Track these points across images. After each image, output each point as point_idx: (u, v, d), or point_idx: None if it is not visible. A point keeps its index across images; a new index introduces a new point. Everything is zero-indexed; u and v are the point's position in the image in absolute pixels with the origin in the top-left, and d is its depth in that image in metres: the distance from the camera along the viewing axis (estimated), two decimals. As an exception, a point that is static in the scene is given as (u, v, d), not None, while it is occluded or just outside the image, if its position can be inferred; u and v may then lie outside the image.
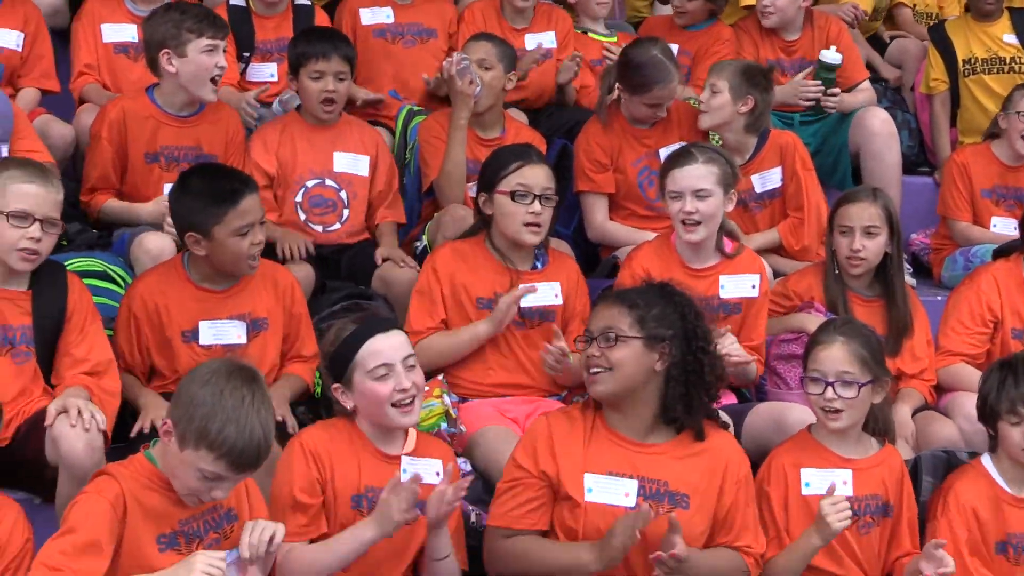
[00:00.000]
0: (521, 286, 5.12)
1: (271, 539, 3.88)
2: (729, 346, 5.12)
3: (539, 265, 5.38)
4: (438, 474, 4.44)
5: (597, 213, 6.30)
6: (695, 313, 4.42)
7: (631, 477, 4.34)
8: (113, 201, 5.79)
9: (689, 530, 4.28)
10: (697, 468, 4.39)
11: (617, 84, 6.29)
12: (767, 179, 6.28)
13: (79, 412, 4.43)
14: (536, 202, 5.23)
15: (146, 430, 4.73)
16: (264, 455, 3.90)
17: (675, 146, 6.17)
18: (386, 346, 4.36)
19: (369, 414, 4.38)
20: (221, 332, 5.07)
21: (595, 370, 4.33)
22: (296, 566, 4.18)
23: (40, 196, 4.69)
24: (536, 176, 5.28)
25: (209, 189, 4.99)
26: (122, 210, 5.77)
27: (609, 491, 4.35)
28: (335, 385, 4.41)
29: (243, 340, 5.09)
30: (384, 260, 5.85)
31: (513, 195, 5.23)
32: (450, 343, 5.25)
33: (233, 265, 5.03)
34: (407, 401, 4.33)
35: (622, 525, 4.17)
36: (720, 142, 6.24)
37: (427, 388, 5.01)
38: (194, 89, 5.74)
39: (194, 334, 5.02)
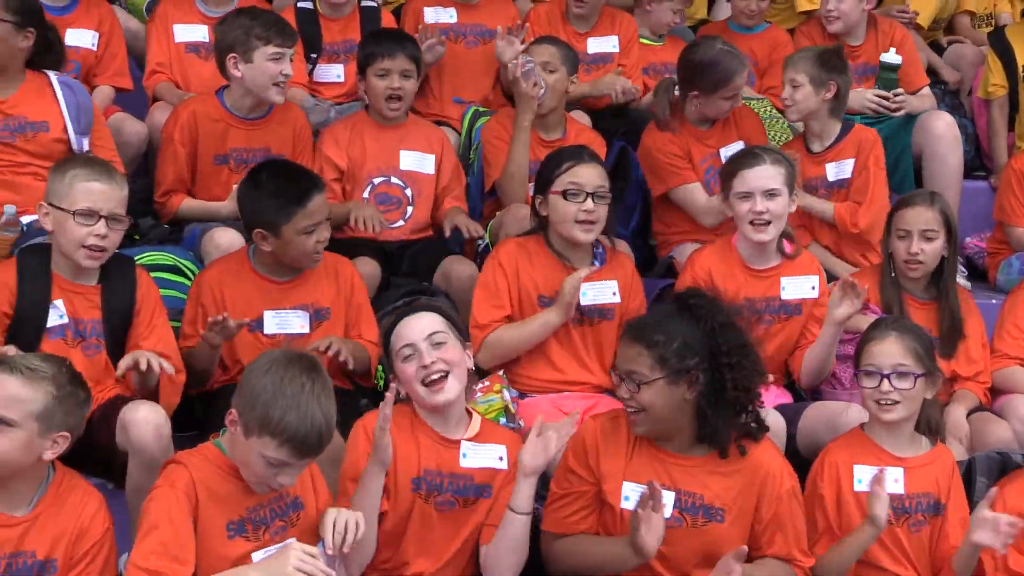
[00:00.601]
0: (582, 270, 5.11)
1: (356, 529, 3.95)
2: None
3: (597, 264, 5.38)
4: (501, 459, 4.48)
5: (699, 198, 6.23)
6: (721, 325, 4.34)
7: (669, 489, 4.34)
8: (190, 201, 5.86)
9: (727, 544, 4.30)
10: (734, 483, 4.38)
11: (690, 90, 6.24)
12: (841, 169, 6.30)
13: (148, 361, 4.56)
14: (588, 200, 5.24)
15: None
16: (326, 440, 3.95)
17: (735, 145, 6.23)
18: (410, 328, 4.44)
19: (414, 398, 4.44)
20: (285, 322, 5.14)
21: (630, 411, 4.33)
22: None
23: (105, 193, 4.73)
24: (588, 175, 5.29)
25: (279, 189, 5.06)
26: (201, 210, 5.84)
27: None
28: (392, 375, 4.49)
29: (306, 329, 5.15)
30: (454, 228, 5.90)
31: (565, 194, 5.25)
32: (520, 334, 5.28)
33: (298, 260, 5.12)
34: (434, 377, 4.37)
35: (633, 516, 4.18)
36: (783, 141, 6.22)
37: (487, 383, 5.13)
38: (259, 92, 5.79)
39: (259, 324, 5.08)
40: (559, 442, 4.31)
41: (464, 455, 4.44)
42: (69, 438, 4.03)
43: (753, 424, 4.42)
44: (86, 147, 5.52)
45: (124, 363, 4.62)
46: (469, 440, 4.49)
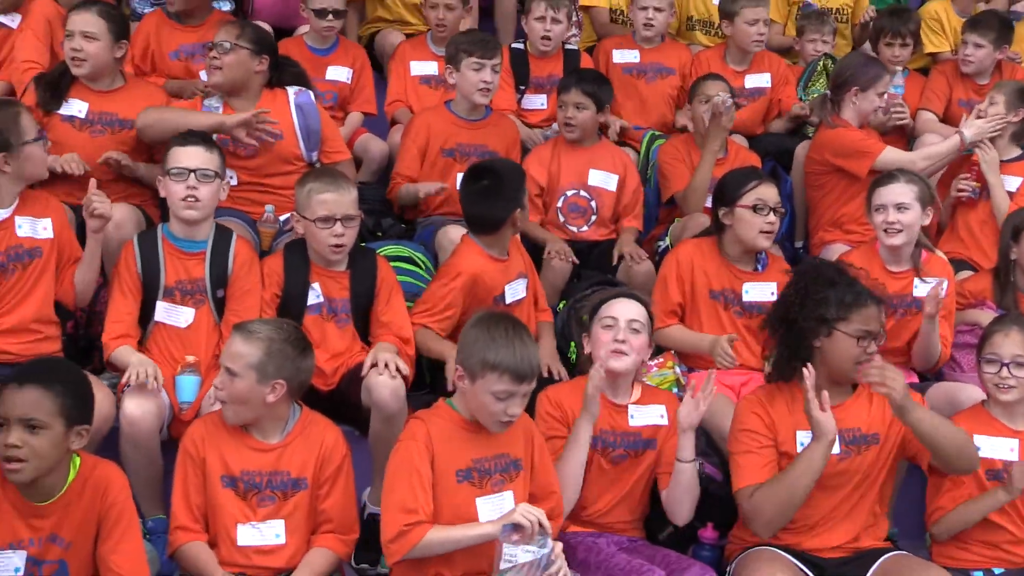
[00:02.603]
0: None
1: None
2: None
3: (760, 268, 5.37)
4: (662, 416, 4.55)
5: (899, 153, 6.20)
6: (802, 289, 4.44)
7: None
8: (407, 184, 5.88)
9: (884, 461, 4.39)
10: (876, 410, 4.41)
11: (850, 87, 6.19)
12: (1008, 182, 6.21)
13: (386, 364, 4.62)
14: (772, 214, 5.23)
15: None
16: (535, 367, 4.00)
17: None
18: (620, 307, 4.52)
19: (595, 358, 4.49)
20: (515, 290, 5.16)
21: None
22: None
23: (336, 200, 4.80)
24: (770, 192, 5.28)
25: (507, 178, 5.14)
26: (411, 191, 5.85)
27: None
28: (584, 335, 4.59)
29: (524, 294, 5.21)
30: (620, 256, 5.84)
31: (754, 208, 5.22)
32: (685, 339, 5.29)
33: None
34: (620, 349, 4.45)
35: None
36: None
37: (661, 359, 5.12)
38: (467, 96, 5.85)
39: (501, 297, 5.10)
40: (706, 400, 4.36)
41: (632, 416, 4.52)
42: (286, 385, 4.12)
43: None
44: (315, 158, 5.61)
45: (368, 360, 4.70)
46: (635, 403, 4.55)
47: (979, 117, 6.21)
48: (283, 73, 5.60)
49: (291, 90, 5.57)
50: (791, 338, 4.39)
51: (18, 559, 3.74)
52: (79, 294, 4.80)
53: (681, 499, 4.42)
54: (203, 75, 5.81)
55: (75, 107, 5.38)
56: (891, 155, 6.09)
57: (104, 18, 5.37)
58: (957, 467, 4.40)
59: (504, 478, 4.10)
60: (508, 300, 5.11)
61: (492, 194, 5.05)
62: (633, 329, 4.48)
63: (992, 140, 6.21)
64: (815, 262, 5.18)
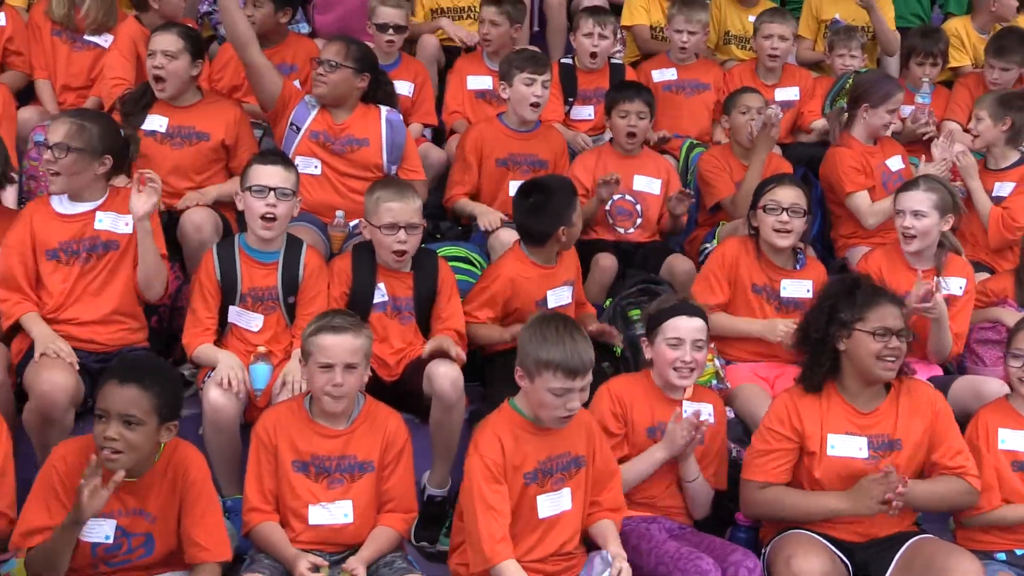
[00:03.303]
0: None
1: None
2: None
3: (798, 266, 5.41)
4: (709, 415, 4.58)
5: (863, 203, 6.14)
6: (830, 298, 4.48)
7: (859, 435, 4.38)
8: (465, 200, 5.96)
9: (907, 469, 4.35)
10: (904, 415, 4.40)
11: (861, 103, 6.19)
12: (1003, 188, 6.20)
13: (445, 350, 4.71)
14: (784, 213, 5.25)
15: None
16: (588, 363, 4.03)
17: (896, 158, 6.22)
18: (684, 325, 4.52)
19: (661, 372, 4.56)
20: (559, 297, 5.22)
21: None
22: None
23: (401, 209, 4.86)
24: (784, 194, 5.30)
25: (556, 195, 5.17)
26: (467, 209, 5.93)
27: (847, 447, 4.38)
28: (643, 337, 4.60)
29: (569, 300, 5.25)
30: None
31: (765, 208, 5.30)
32: (733, 325, 5.32)
33: (571, 245, 5.27)
34: (686, 371, 4.49)
35: (877, 488, 4.22)
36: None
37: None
38: (518, 110, 5.91)
39: (543, 301, 5.18)
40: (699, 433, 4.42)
41: (685, 412, 4.53)
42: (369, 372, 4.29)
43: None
44: (394, 171, 5.69)
45: (429, 347, 4.79)
46: (687, 400, 4.59)
47: (974, 137, 6.26)
48: (378, 90, 5.72)
49: (384, 108, 5.70)
50: (816, 346, 4.43)
51: (108, 527, 3.89)
52: (142, 285, 4.78)
53: (697, 505, 4.55)
54: (295, 84, 5.94)
55: (156, 122, 5.52)
56: (858, 200, 6.08)
57: (183, 38, 5.51)
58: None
59: (564, 476, 4.16)
60: (551, 304, 5.15)
61: (540, 210, 5.12)
62: (697, 347, 4.52)
63: (989, 150, 6.24)
64: (834, 280, 5.15)
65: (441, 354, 4.75)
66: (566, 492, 4.13)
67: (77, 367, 4.49)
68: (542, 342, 3.99)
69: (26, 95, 6.34)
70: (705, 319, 4.62)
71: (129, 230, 4.77)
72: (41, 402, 4.35)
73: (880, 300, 4.39)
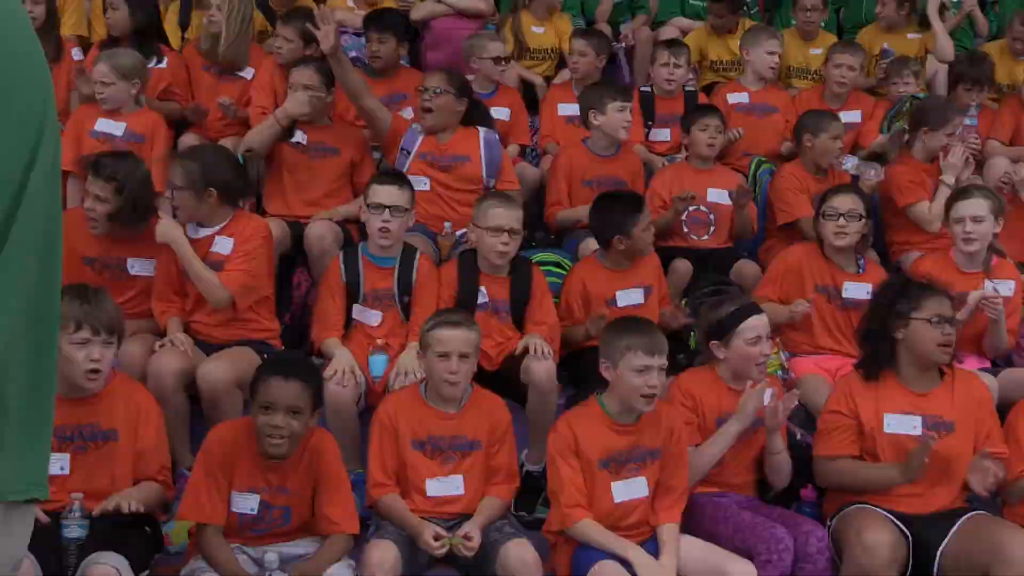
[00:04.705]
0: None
1: None
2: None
3: (860, 270, 5.37)
4: (773, 395, 4.48)
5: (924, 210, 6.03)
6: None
7: (915, 414, 4.34)
8: (566, 212, 5.97)
9: (958, 450, 4.29)
10: (957, 398, 4.37)
11: (921, 126, 6.08)
12: None
13: (536, 347, 4.71)
14: (841, 219, 5.24)
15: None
16: (664, 346, 4.11)
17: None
18: (758, 323, 4.50)
19: (735, 366, 4.51)
20: (630, 297, 5.23)
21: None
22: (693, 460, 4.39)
23: (506, 215, 4.92)
24: (839, 201, 5.29)
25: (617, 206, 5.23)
26: (572, 218, 5.94)
27: (903, 424, 4.35)
28: (714, 342, 4.53)
29: (643, 300, 5.26)
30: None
31: (825, 214, 5.29)
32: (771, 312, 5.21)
33: (641, 251, 5.26)
34: (762, 363, 4.47)
35: (916, 453, 4.19)
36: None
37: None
38: (612, 132, 5.94)
39: (612, 300, 5.20)
40: (783, 410, 4.35)
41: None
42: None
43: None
44: (492, 184, 5.73)
45: (522, 344, 4.77)
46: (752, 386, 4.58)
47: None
48: (475, 112, 5.85)
49: (481, 128, 5.81)
50: (876, 337, 4.43)
51: (254, 501, 4.05)
52: (205, 294, 4.76)
53: (781, 474, 4.50)
54: (405, 113, 6.09)
55: (299, 136, 5.84)
56: (917, 210, 5.93)
57: (318, 72, 5.78)
58: None
59: (639, 466, 4.20)
60: (620, 304, 5.17)
61: (602, 219, 5.23)
62: (768, 339, 4.55)
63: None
64: (888, 278, 5.10)
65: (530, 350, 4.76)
66: (641, 481, 4.17)
67: (191, 353, 4.68)
68: (623, 331, 4.14)
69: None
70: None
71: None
72: (155, 382, 4.53)
73: (933, 292, 4.43)
